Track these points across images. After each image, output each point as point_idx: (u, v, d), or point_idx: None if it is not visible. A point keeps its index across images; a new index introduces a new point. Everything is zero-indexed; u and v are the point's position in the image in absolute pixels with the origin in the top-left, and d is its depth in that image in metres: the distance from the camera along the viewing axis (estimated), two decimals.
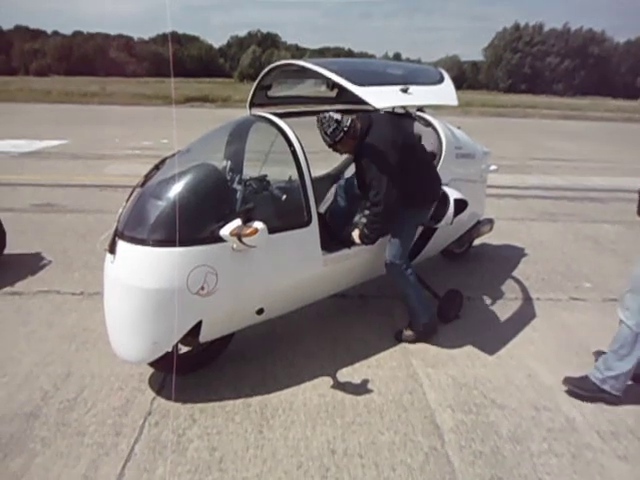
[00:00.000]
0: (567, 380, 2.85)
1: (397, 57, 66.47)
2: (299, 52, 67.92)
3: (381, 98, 2.73)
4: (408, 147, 3.05)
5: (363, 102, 2.73)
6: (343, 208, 3.47)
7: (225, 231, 2.35)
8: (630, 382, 2.78)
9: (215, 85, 34.34)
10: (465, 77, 63.82)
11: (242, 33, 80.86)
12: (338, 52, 64.82)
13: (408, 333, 3.31)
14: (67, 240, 5.07)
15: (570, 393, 2.81)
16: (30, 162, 9.28)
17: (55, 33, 72.66)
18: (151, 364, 2.67)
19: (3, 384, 2.75)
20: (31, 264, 4.43)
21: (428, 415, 2.62)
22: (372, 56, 59.05)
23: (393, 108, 3.92)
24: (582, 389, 2.78)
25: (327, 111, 2.93)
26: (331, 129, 2.84)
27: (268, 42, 75.63)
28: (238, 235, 2.33)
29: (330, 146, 2.96)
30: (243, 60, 61.68)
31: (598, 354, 3.08)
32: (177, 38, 77.39)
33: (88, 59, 60.24)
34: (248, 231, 2.32)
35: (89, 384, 2.78)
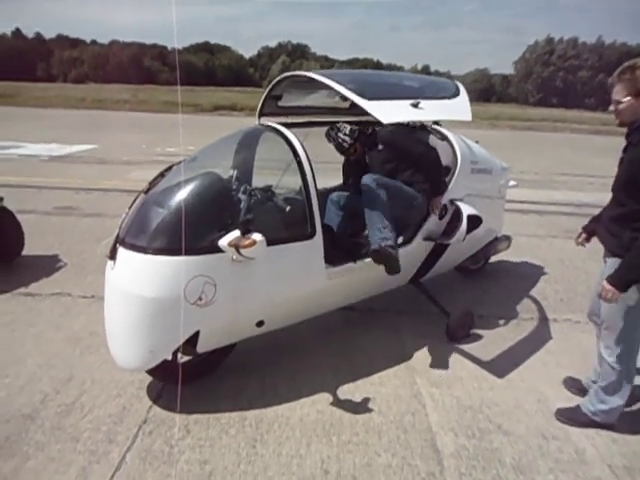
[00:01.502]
0: (559, 412, 2.74)
1: (426, 70, 66.28)
2: (328, 63, 68.41)
3: (389, 112, 2.68)
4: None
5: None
6: (338, 224, 3.41)
7: (223, 242, 2.33)
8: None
9: (244, 94, 34.85)
10: (494, 90, 63.18)
11: (272, 44, 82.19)
12: (366, 63, 64.96)
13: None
14: (84, 243, 5.15)
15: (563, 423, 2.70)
16: (58, 166, 9.56)
17: (93, 42, 75.22)
18: (149, 372, 2.65)
19: (5, 385, 2.78)
20: (47, 266, 4.51)
21: (429, 438, 2.52)
22: (400, 68, 59.06)
23: (408, 123, 3.88)
24: (574, 421, 2.68)
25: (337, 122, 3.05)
26: (348, 129, 3.37)
27: (298, 53, 76.57)
28: (236, 246, 2.30)
29: (347, 149, 3.42)
30: (273, 70, 62.49)
31: (571, 381, 3.02)
32: (209, 48, 79.16)
33: (123, 67, 62.04)
34: (246, 242, 2.29)
35: (88, 389, 2.78)
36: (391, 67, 64.92)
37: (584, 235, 2.88)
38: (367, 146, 3.51)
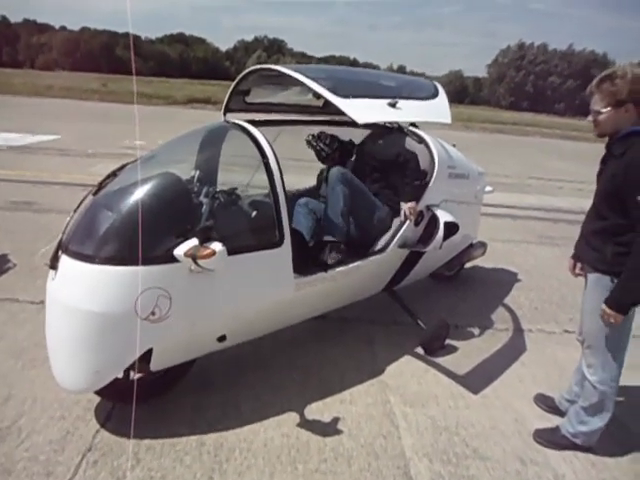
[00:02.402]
0: (537, 433, 2.62)
1: (402, 70, 66.65)
2: (305, 59, 68.10)
3: (364, 112, 2.49)
4: None
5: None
6: (307, 229, 3.23)
7: (179, 251, 2.09)
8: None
9: (219, 87, 34.14)
10: (467, 92, 64.12)
11: (249, 37, 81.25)
12: (342, 61, 64.95)
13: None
14: (38, 242, 4.74)
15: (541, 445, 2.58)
16: (18, 157, 9.03)
17: (62, 28, 72.80)
18: (97, 392, 2.39)
19: None
20: None
21: (402, 465, 2.34)
22: (377, 67, 59.16)
23: (386, 123, 3.71)
24: (553, 443, 2.55)
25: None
26: (328, 139, 3.53)
27: (274, 48, 75.96)
28: (193, 256, 2.07)
29: (326, 156, 3.56)
30: (248, 64, 61.48)
31: (542, 398, 2.91)
32: (184, 39, 77.71)
33: (94, 56, 60.17)
34: (204, 253, 2.06)
35: (28, 410, 2.50)
36: (367, 66, 65.00)
37: (576, 264, 2.64)
38: (345, 156, 3.59)
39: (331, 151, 3.54)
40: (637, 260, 2.11)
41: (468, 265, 4.84)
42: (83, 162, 8.85)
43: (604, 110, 2.20)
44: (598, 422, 2.44)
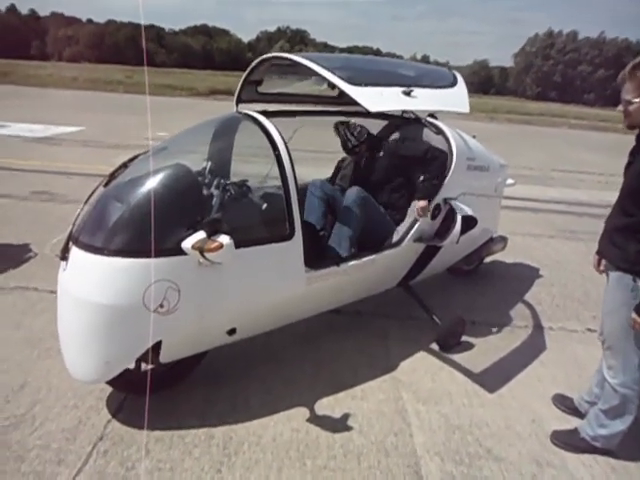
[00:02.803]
0: (555, 435, 2.53)
1: (425, 59, 65.62)
2: (327, 49, 67.57)
3: (377, 100, 2.41)
4: None
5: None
6: (320, 215, 3.21)
7: (187, 244, 2.07)
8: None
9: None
10: (493, 82, 62.76)
11: (272, 28, 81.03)
12: (365, 51, 64.25)
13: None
14: (58, 232, 4.86)
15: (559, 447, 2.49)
16: (41, 147, 9.21)
17: (89, 21, 73.85)
18: (109, 382, 2.40)
19: None
20: (15, 256, 4.24)
21: (412, 463, 2.30)
22: (400, 57, 58.36)
23: (403, 112, 3.63)
24: (571, 446, 2.46)
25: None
26: (357, 130, 3.39)
27: (297, 39, 75.61)
28: (200, 249, 2.05)
29: (352, 148, 3.43)
30: None
31: (560, 399, 2.81)
32: (207, 31, 77.96)
33: (119, 48, 60.89)
34: (212, 246, 2.04)
35: (43, 399, 2.53)
36: (390, 56, 64.21)
37: (601, 260, 2.48)
38: (371, 150, 3.48)
39: (358, 143, 3.42)
40: None
41: (487, 260, 4.72)
42: (106, 153, 8.96)
43: (636, 100, 2.06)
44: (619, 425, 2.34)
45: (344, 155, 3.75)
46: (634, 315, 2.11)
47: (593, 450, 2.43)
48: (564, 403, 2.79)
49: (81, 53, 61.85)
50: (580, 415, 2.64)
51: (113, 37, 64.95)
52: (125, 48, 60.28)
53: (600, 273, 2.50)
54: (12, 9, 68.55)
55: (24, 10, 70.57)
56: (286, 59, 2.76)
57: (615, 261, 2.24)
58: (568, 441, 2.48)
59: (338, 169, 3.82)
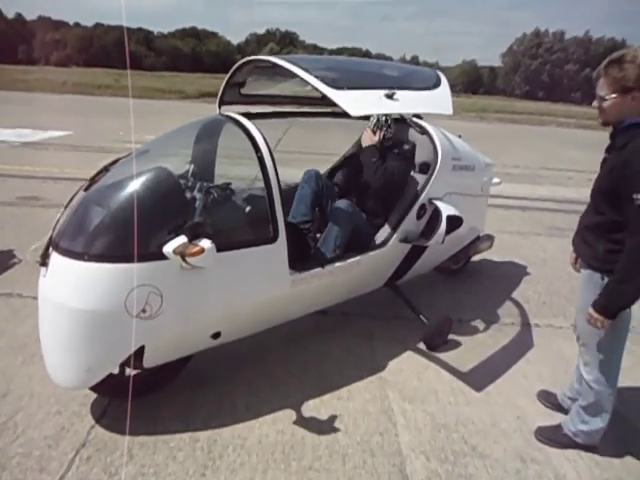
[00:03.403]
0: (539, 431, 2.56)
1: (414, 60, 65.90)
2: (317, 51, 67.65)
3: (358, 104, 2.41)
4: None
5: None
6: (309, 200, 3.25)
7: (168, 249, 2.06)
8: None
9: None
10: (482, 82, 63.15)
11: (261, 31, 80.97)
12: (355, 53, 64.38)
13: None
14: (46, 237, 4.83)
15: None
16: (29, 152, 9.13)
17: (77, 24, 73.31)
18: (92, 388, 2.38)
19: None
20: (0, 263, 4.20)
21: (398, 463, 2.30)
22: (389, 58, 58.55)
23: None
24: (554, 442, 2.49)
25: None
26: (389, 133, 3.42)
27: (286, 40, 75.59)
28: (181, 254, 2.04)
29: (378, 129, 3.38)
30: None
31: (545, 395, 2.85)
32: (196, 33, 77.68)
33: (107, 51, 60.49)
34: (193, 250, 2.03)
35: (25, 405, 2.51)
36: (380, 57, 64.30)
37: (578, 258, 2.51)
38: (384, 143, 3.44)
39: (381, 126, 3.39)
40: (627, 263, 2.00)
41: (475, 258, 4.75)
42: (93, 157, 8.89)
43: (609, 97, 2.06)
44: (599, 422, 2.36)
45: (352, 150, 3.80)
46: (590, 310, 2.13)
47: (575, 445, 2.45)
48: (548, 399, 2.81)
49: (69, 57, 61.36)
50: (564, 411, 2.67)
51: (101, 40, 64.44)
52: (113, 51, 59.91)
53: (576, 271, 2.51)
54: None
55: (10, 14, 69.91)
56: (268, 62, 2.75)
57: (585, 258, 2.26)
58: (551, 437, 2.50)
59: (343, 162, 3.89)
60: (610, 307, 2.08)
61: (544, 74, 59.05)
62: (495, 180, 4.45)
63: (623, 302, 2.08)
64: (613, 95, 2.05)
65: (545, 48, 60.78)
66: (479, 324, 3.71)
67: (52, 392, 2.59)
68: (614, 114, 2.10)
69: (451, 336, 3.42)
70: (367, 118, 3.41)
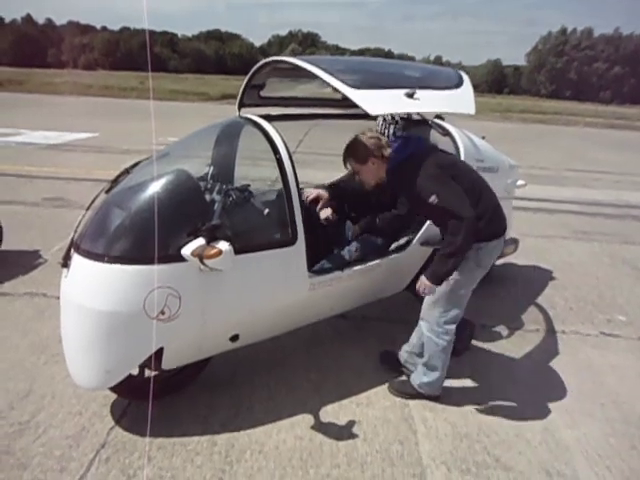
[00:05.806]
0: (391, 384, 2.82)
1: (438, 60, 65.28)
2: (339, 52, 67.55)
3: (378, 103, 2.37)
4: None
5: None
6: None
7: (186, 251, 2.06)
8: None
9: None
10: (506, 82, 62.13)
11: (283, 32, 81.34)
12: (377, 53, 64.10)
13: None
14: (68, 238, 4.91)
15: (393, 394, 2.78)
16: (55, 154, 9.34)
17: (104, 28, 74.89)
18: (111, 389, 2.40)
19: None
20: (25, 263, 4.29)
21: (418, 473, 2.25)
22: (412, 58, 58.10)
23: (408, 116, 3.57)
24: (403, 393, 2.76)
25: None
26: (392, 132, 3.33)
27: (308, 41, 75.79)
28: (199, 256, 2.03)
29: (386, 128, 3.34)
30: None
31: (386, 355, 3.05)
32: (219, 36, 78.53)
33: (133, 54, 61.63)
34: (211, 252, 2.02)
35: (47, 405, 2.54)
36: (402, 57, 63.88)
37: None
38: None
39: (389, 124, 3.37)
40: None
41: (498, 262, 4.63)
42: (117, 158, 9.03)
43: (359, 170, 2.50)
44: (437, 374, 2.63)
45: None
46: (422, 277, 2.46)
47: (421, 396, 2.70)
48: (388, 360, 3.01)
49: (96, 60, 62.79)
50: (408, 369, 2.86)
51: (127, 44, 65.71)
52: (139, 55, 61.01)
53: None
54: (28, 19, 69.82)
55: (41, 20, 71.85)
56: (287, 62, 2.73)
57: None
58: (400, 389, 2.77)
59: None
60: (435, 275, 2.43)
61: (571, 72, 57.70)
62: (520, 182, 4.34)
63: (444, 273, 2.42)
64: (360, 167, 2.58)
65: (572, 45, 59.39)
66: (502, 330, 3.61)
67: (74, 392, 2.62)
68: (371, 179, 2.61)
69: (473, 342, 3.34)
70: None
